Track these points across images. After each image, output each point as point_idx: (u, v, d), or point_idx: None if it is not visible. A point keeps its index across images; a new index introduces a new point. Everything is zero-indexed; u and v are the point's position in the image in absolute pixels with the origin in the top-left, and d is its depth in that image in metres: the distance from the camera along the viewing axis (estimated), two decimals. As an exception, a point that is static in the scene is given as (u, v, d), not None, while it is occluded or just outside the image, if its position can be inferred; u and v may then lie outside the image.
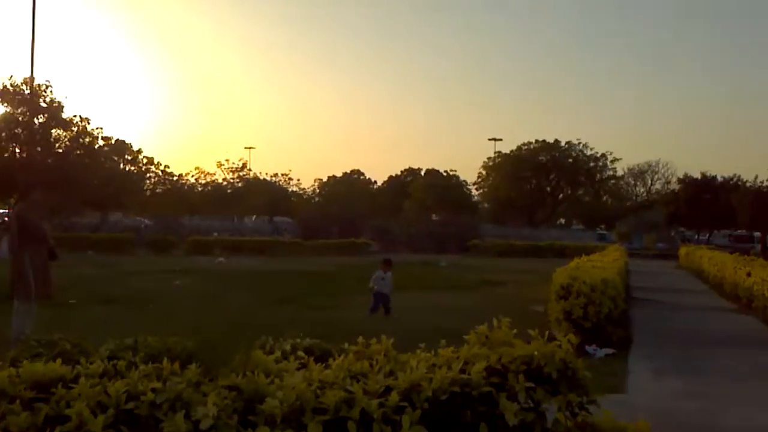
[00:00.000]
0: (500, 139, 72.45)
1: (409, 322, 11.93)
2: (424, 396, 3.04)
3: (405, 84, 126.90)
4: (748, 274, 15.77)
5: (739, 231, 53.27)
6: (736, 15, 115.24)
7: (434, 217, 59.03)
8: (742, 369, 8.89)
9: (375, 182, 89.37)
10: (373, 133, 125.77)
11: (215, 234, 48.61)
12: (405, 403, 2.95)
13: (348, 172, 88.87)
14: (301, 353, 3.97)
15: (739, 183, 54.45)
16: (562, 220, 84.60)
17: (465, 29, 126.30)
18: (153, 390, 2.86)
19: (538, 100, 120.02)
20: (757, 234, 48.76)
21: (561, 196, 74.01)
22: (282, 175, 73.03)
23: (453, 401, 3.14)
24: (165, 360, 3.33)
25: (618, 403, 6.39)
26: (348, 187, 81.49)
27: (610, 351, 9.74)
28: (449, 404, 3.12)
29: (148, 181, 55.26)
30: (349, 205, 55.42)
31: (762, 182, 51.20)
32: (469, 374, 3.22)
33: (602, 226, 73.96)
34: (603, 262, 15.71)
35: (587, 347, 9.73)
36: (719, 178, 56.43)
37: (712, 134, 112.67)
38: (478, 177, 73.90)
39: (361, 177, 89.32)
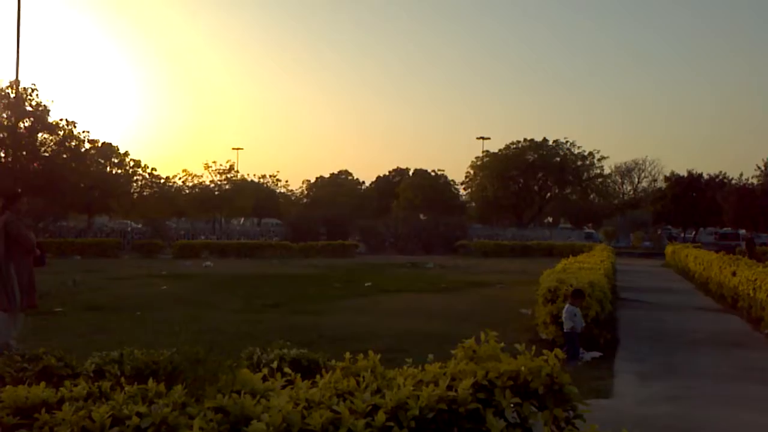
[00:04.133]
0: (488, 138, 72.80)
1: (396, 327, 11.94)
2: (411, 414, 3.04)
3: (393, 83, 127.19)
4: (734, 274, 15.86)
5: (725, 229, 53.53)
6: (723, 14, 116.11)
7: (422, 217, 58.98)
8: (724, 370, 8.96)
9: (363, 183, 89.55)
10: (361, 133, 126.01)
11: (202, 237, 48.42)
12: (392, 423, 2.95)
13: (336, 172, 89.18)
14: (287, 369, 3.96)
15: (725, 180, 54.68)
16: (550, 219, 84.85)
17: (453, 29, 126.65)
18: (138, 414, 2.84)
19: (526, 99, 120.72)
20: (742, 231, 49.02)
21: (548, 195, 74.01)
22: (270, 176, 73.18)
23: (440, 419, 3.14)
24: (150, 380, 3.31)
25: (604, 408, 6.43)
26: (336, 188, 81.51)
27: (597, 354, 9.78)
28: (436, 422, 3.12)
29: (135, 184, 54.75)
30: (337, 206, 55.33)
31: (747, 179, 51.51)
32: (456, 391, 3.22)
33: (589, 225, 74.34)
34: (590, 263, 15.78)
35: (575, 350, 9.78)
36: (705, 176, 56.69)
37: (698, 132, 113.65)
38: (466, 176, 73.84)
39: (349, 177, 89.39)
